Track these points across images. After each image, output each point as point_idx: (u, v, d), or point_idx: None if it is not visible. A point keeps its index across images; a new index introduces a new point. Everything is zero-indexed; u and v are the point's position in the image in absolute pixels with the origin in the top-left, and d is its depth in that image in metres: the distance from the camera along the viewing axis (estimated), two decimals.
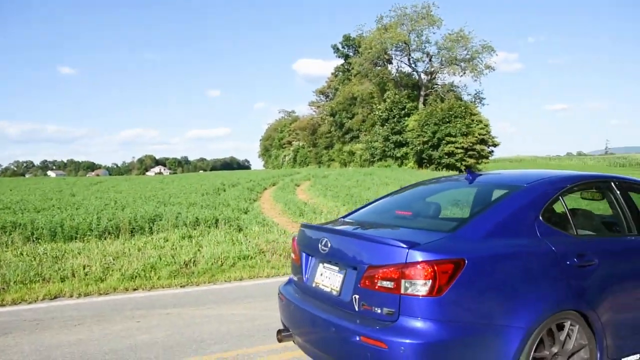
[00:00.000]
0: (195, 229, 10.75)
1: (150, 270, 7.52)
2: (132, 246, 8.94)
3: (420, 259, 2.83)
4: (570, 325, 3.20)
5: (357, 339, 2.92)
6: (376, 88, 55.83)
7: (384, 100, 52.03)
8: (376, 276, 2.95)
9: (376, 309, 2.94)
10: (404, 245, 2.88)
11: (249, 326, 5.14)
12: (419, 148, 45.70)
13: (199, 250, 8.61)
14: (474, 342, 2.88)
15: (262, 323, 5.22)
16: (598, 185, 4.20)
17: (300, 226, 4.06)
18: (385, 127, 50.29)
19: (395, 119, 49.71)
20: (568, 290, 3.22)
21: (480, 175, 4.30)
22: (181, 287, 7.06)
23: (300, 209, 15.45)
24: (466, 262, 2.87)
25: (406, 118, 49.31)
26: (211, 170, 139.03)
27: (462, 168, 42.30)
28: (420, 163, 46.40)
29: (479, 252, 3.00)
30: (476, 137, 43.37)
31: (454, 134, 42.83)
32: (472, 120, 44.04)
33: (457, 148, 42.79)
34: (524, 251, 3.17)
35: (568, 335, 3.20)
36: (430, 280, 2.80)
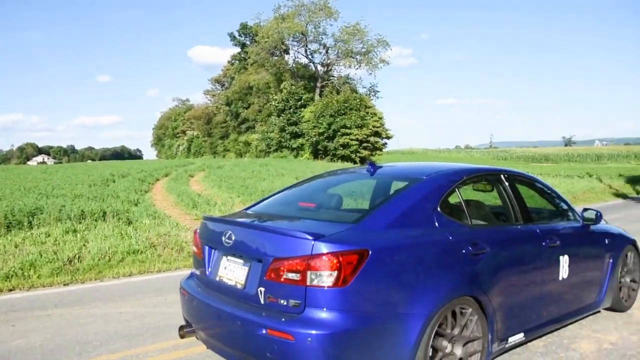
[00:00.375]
0: (80, 223, 10.09)
1: (29, 269, 6.95)
2: (7, 242, 8.21)
3: (325, 251, 2.86)
4: (465, 310, 3.41)
5: (264, 331, 2.91)
6: (273, 78, 55.67)
7: (281, 91, 52.03)
8: (282, 268, 2.96)
9: (282, 301, 2.95)
10: (310, 237, 2.90)
11: (137, 325, 4.93)
12: (314, 139, 46.23)
13: (84, 245, 8.10)
14: (379, 330, 2.96)
15: (152, 321, 5.03)
16: (489, 177, 4.50)
17: (202, 219, 3.95)
18: (281, 117, 50.33)
19: (291, 110, 49.90)
20: (464, 277, 3.42)
21: (381, 167, 4.39)
22: (64, 285, 6.62)
23: (193, 200, 15.07)
24: (370, 252, 2.95)
25: (302, 109, 49.66)
26: (100, 160, 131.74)
27: (357, 160, 43.44)
28: (316, 154, 47.00)
29: (382, 243, 3.09)
30: (371, 129, 44.67)
31: (349, 125, 43.77)
32: (367, 113, 45.30)
33: (352, 140, 43.79)
34: (424, 241, 3.33)
35: (464, 320, 3.40)
36: (336, 271, 2.84)
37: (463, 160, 60.27)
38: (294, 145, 49.27)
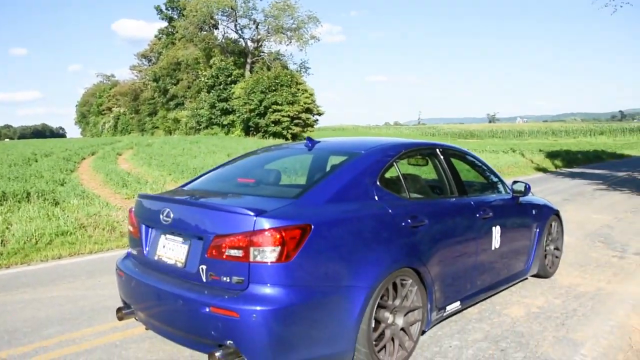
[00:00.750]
0: (1, 205, 9.53)
1: None
2: None
3: (268, 226, 2.84)
4: (405, 281, 3.50)
5: (207, 310, 2.87)
6: (202, 53, 54.21)
7: (210, 67, 50.82)
8: (223, 245, 2.91)
9: (225, 278, 2.92)
10: (251, 213, 2.87)
11: (71, 309, 4.74)
12: (245, 116, 45.62)
13: (7, 228, 7.65)
14: (323, 304, 2.99)
15: (87, 304, 4.85)
16: (425, 151, 4.58)
17: (137, 197, 3.82)
18: (211, 94, 49.24)
19: (221, 86, 48.91)
20: (403, 249, 3.49)
21: (319, 142, 4.37)
22: None
23: (123, 179, 14.54)
24: (312, 227, 2.96)
25: (233, 85, 48.78)
26: (19, 138, 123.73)
27: (289, 136, 43.30)
28: (247, 131, 46.45)
29: (323, 217, 3.10)
30: (302, 105, 44.55)
31: (280, 102, 43.46)
32: (298, 89, 45.09)
33: (283, 116, 43.55)
34: (364, 215, 3.36)
35: (404, 291, 3.49)
36: (279, 247, 2.83)
37: (393, 136, 61.43)
38: (225, 122, 48.44)
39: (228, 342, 2.85)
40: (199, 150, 26.52)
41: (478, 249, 4.34)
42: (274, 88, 44.16)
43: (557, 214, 5.83)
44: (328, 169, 3.97)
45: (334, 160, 3.97)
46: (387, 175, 3.83)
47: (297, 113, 44.10)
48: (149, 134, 60.22)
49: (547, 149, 32.22)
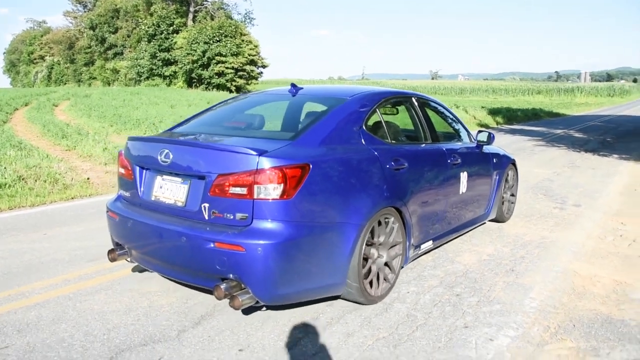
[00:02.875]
0: None
1: None
2: None
3: (271, 165, 2.98)
4: (389, 219, 3.74)
5: (212, 245, 3.01)
6: (142, 0, 51.63)
7: (151, 15, 48.52)
8: (227, 184, 3.04)
9: (228, 215, 3.05)
10: (254, 153, 3.00)
11: (17, 263, 4.52)
12: (188, 67, 44.14)
13: None
14: (320, 239, 3.21)
15: (33, 257, 4.64)
16: (403, 100, 4.72)
17: (128, 139, 3.81)
18: (152, 43, 47.19)
19: (162, 36, 46.92)
20: (388, 190, 3.72)
21: (302, 89, 4.45)
22: None
23: (62, 130, 13.89)
24: (311, 166, 3.14)
25: (175, 35, 46.91)
26: None
27: (233, 89, 42.37)
28: (190, 83, 45.08)
29: (320, 158, 3.27)
30: (246, 57, 43.50)
31: (224, 53, 42.23)
32: (243, 41, 43.88)
33: (227, 68, 42.42)
34: (354, 157, 3.55)
35: (388, 228, 3.76)
36: (282, 185, 2.99)
37: None
38: (167, 73, 46.74)
39: (231, 275, 3.01)
40: (141, 101, 25.62)
41: (448, 192, 4.61)
42: (217, 39, 42.79)
43: (513, 163, 6.21)
44: (320, 113, 4.02)
45: (322, 106, 4.04)
46: (371, 121, 3.98)
47: (241, 65, 43.05)
48: (86, 85, 57.45)
49: (488, 106, 33.06)
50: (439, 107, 5.30)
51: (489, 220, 5.92)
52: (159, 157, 3.39)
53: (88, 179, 8.24)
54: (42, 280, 4.10)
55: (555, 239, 5.45)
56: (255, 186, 2.97)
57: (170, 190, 3.39)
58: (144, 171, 3.61)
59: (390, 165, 3.79)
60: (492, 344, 3.16)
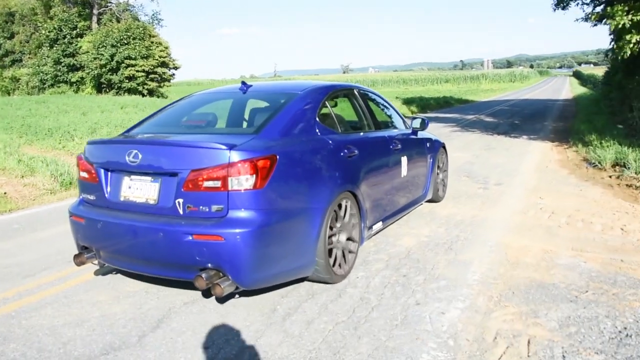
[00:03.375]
0: None
1: None
2: None
3: (242, 158, 3.18)
4: (346, 203, 3.99)
5: (190, 238, 3.16)
6: (39, 3, 48.64)
7: (50, 18, 45.85)
8: (200, 178, 3.20)
9: (204, 208, 3.21)
10: (224, 147, 3.18)
11: None
12: (96, 72, 42.11)
13: None
14: (290, 224, 3.46)
15: None
16: (347, 92, 4.95)
17: (87, 143, 3.85)
18: (54, 48, 44.55)
19: (66, 40, 44.41)
20: (344, 176, 4.02)
21: (252, 86, 4.59)
22: None
23: None
24: (277, 157, 3.36)
25: (79, 39, 44.52)
26: None
27: (145, 92, 40.96)
28: (100, 88, 43.04)
29: (283, 149, 3.49)
30: (157, 59, 42.04)
31: (133, 56, 40.62)
32: (152, 43, 42.37)
33: (138, 71, 40.83)
34: (312, 147, 3.83)
35: (347, 212, 4.04)
36: (254, 175, 3.19)
37: None
38: (73, 80, 44.30)
39: (209, 264, 3.18)
40: (49, 110, 24.23)
41: (393, 176, 4.94)
42: (125, 41, 41.08)
43: (443, 146, 6.63)
44: (272, 109, 4.15)
45: (275, 101, 4.25)
46: (321, 113, 4.20)
47: (152, 67, 41.57)
48: None
49: (402, 96, 34.14)
50: (377, 98, 5.58)
51: (426, 202, 6.23)
52: (126, 158, 3.45)
53: (5, 193, 7.77)
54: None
55: (485, 217, 5.81)
56: (229, 178, 3.15)
57: (140, 190, 3.48)
58: (109, 173, 3.65)
59: (343, 153, 4.09)
60: (445, 317, 3.36)
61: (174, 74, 45.97)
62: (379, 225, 4.70)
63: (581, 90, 44.73)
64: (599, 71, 72.48)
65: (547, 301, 3.60)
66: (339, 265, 3.93)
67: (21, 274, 4.39)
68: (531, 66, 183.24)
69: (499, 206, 6.30)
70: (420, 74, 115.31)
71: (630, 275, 4.05)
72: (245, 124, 4.51)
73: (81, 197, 3.90)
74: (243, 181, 3.17)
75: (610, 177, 8.08)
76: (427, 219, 5.79)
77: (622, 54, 9.64)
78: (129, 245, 3.48)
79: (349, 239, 4.07)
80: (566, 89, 51.94)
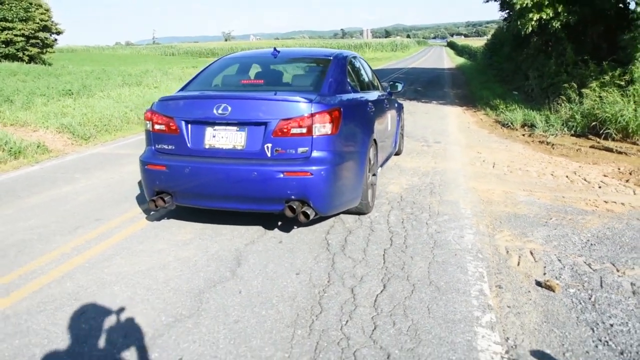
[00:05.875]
0: None
1: None
2: None
3: (323, 109, 3.97)
4: (373, 147, 4.92)
5: (281, 175, 3.87)
6: None
7: None
8: (288, 126, 3.90)
9: (291, 150, 3.93)
10: (306, 100, 3.95)
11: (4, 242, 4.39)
12: None
13: None
14: (351, 163, 4.28)
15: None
16: (354, 58, 5.67)
17: (160, 100, 4.41)
18: None
19: None
20: (372, 127, 4.97)
21: (280, 52, 5.29)
22: None
23: None
24: (342, 109, 4.15)
25: None
26: None
27: (26, 59, 37.91)
28: None
29: (342, 103, 4.29)
30: (37, 23, 38.96)
31: (10, 18, 37.29)
32: (31, 4, 39.14)
33: (16, 36, 37.65)
34: (356, 102, 4.70)
35: (374, 155, 5.00)
36: (331, 123, 3.99)
37: (131, 57, 58.07)
38: None
39: (293, 196, 3.90)
40: None
41: (386, 129, 5.86)
42: (0, 1, 37.58)
43: (402, 106, 7.48)
44: (317, 70, 4.99)
45: (313, 64, 5.24)
46: (348, 75, 5.01)
47: (32, 32, 38.51)
48: None
49: None
50: (366, 63, 6.33)
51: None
52: (215, 111, 4.04)
53: None
54: (42, 257, 4.11)
55: (444, 168, 6.82)
56: (314, 125, 3.90)
57: (225, 138, 4.08)
58: (189, 125, 4.18)
59: (369, 108, 5.04)
60: (464, 239, 4.27)
61: (56, 40, 42.83)
62: (380, 169, 5.64)
63: (460, 60, 48.24)
64: (472, 42, 77.95)
65: (527, 226, 4.64)
66: (371, 197, 4.88)
67: (58, 232, 4.63)
68: (408, 36, 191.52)
69: (449, 160, 7.36)
70: (302, 41, 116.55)
71: (575, 207, 5.22)
72: (305, 83, 4.96)
73: (153, 148, 4.38)
74: (325, 128, 3.94)
75: (523, 135, 9.53)
76: (398, 171, 6.68)
77: (524, 29, 11.09)
78: (217, 185, 4.04)
79: (373, 175, 4.96)
80: (446, 58, 55.63)
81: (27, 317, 3.15)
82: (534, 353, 2.70)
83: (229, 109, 4.01)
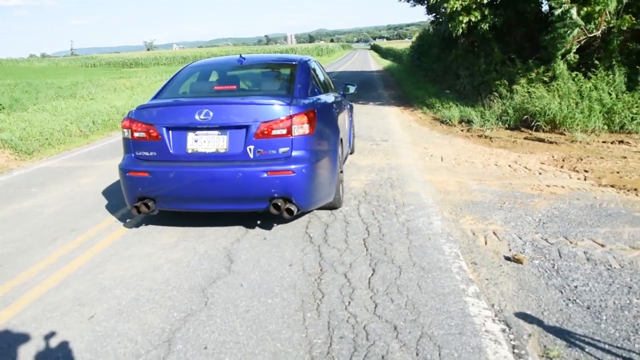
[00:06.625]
0: None
1: None
2: None
3: (300, 111, 4.27)
4: (341, 146, 5.35)
5: (265, 175, 4.13)
6: None
7: None
8: (269, 128, 4.18)
9: (272, 151, 4.20)
10: (284, 103, 4.25)
11: None
12: None
13: None
14: (325, 161, 4.56)
15: None
16: (314, 62, 6.00)
17: (138, 108, 4.51)
18: None
19: None
20: (338, 126, 5.32)
21: (245, 58, 5.49)
22: None
23: None
24: (315, 111, 4.49)
25: None
26: None
27: None
28: None
29: (315, 105, 4.68)
30: None
31: None
32: None
33: None
34: (324, 103, 5.05)
35: (343, 152, 5.32)
36: (308, 124, 4.29)
37: (50, 69, 55.65)
38: None
39: (276, 194, 4.16)
40: None
41: (346, 127, 6.27)
42: None
43: (353, 107, 7.91)
44: (285, 75, 5.26)
45: (282, 69, 5.50)
46: (313, 78, 5.34)
47: None
48: None
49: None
50: (322, 69, 6.64)
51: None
52: (197, 117, 4.23)
53: None
54: (30, 268, 4.13)
55: (397, 164, 7.24)
56: (293, 126, 4.19)
57: (207, 142, 4.26)
58: (170, 131, 4.32)
59: (334, 109, 5.40)
60: (433, 225, 4.66)
61: None
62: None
63: (386, 62, 49.63)
64: (395, 45, 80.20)
65: (485, 211, 5.10)
66: (342, 193, 5.21)
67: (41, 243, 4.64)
68: (332, 40, 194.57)
69: (400, 156, 7.80)
70: (226, 48, 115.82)
71: (522, 191, 5.76)
72: (277, 88, 5.23)
73: (133, 155, 4.47)
74: (302, 128, 4.22)
75: (462, 130, 10.17)
76: (355, 168, 7.02)
77: (455, 31, 11.80)
78: (202, 187, 4.21)
79: (341, 171, 5.27)
80: (372, 61, 57.01)
81: (36, 325, 3.22)
82: (517, 315, 3.10)
83: (211, 114, 4.20)
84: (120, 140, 4.87)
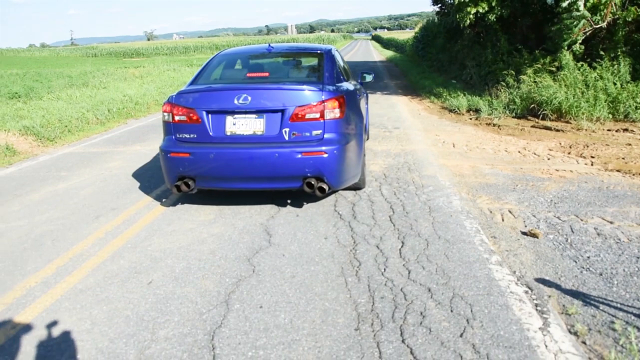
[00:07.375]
0: None
1: None
2: None
3: (332, 96, 4.63)
4: (365, 130, 5.71)
5: (299, 155, 4.47)
6: None
7: None
8: (303, 112, 4.52)
9: (306, 133, 4.56)
10: (317, 89, 4.62)
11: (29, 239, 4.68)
12: None
13: None
14: (353, 143, 4.87)
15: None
16: (335, 51, 6.26)
17: (179, 93, 4.83)
18: None
19: None
20: (362, 111, 5.60)
21: (274, 48, 5.87)
22: None
23: None
24: (345, 96, 4.81)
25: None
26: None
27: None
28: None
29: (344, 91, 5.00)
30: None
31: None
32: None
33: None
34: (351, 90, 5.31)
35: (367, 136, 5.65)
36: (339, 108, 4.64)
37: (52, 59, 55.88)
38: None
39: (309, 173, 4.50)
40: None
41: (366, 113, 6.64)
42: None
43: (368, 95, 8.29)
44: (314, 63, 5.59)
45: (309, 58, 5.81)
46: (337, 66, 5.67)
47: None
48: None
49: None
50: (342, 57, 6.92)
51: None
52: (235, 101, 4.56)
53: None
54: (81, 242, 4.47)
55: (412, 149, 7.57)
56: (326, 110, 4.53)
57: (245, 125, 4.61)
58: (209, 115, 4.65)
59: (359, 95, 5.64)
60: (453, 204, 5.00)
61: None
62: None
63: (388, 53, 49.85)
64: (396, 35, 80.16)
65: (499, 192, 5.44)
66: (365, 174, 5.56)
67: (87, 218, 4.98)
68: (332, 30, 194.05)
69: (414, 142, 8.13)
70: (228, 39, 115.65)
71: (533, 175, 6.09)
72: (307, 75, 5.64)
73: (174, 137, 4.80)
74: (334, 112, 4.57)
75: (470, 119, 10.49)
76: (372, 153, 7.35)
77: (463, 22, 12.08)
78: (240, 167, 4.52)
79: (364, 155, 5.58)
80: (374, 51, 57.20)
81: (101, 290, 3.56)
82: (537, 280, 3.44)
83: (249, 99, 4.54)
84: (137, 127, 5.21)
